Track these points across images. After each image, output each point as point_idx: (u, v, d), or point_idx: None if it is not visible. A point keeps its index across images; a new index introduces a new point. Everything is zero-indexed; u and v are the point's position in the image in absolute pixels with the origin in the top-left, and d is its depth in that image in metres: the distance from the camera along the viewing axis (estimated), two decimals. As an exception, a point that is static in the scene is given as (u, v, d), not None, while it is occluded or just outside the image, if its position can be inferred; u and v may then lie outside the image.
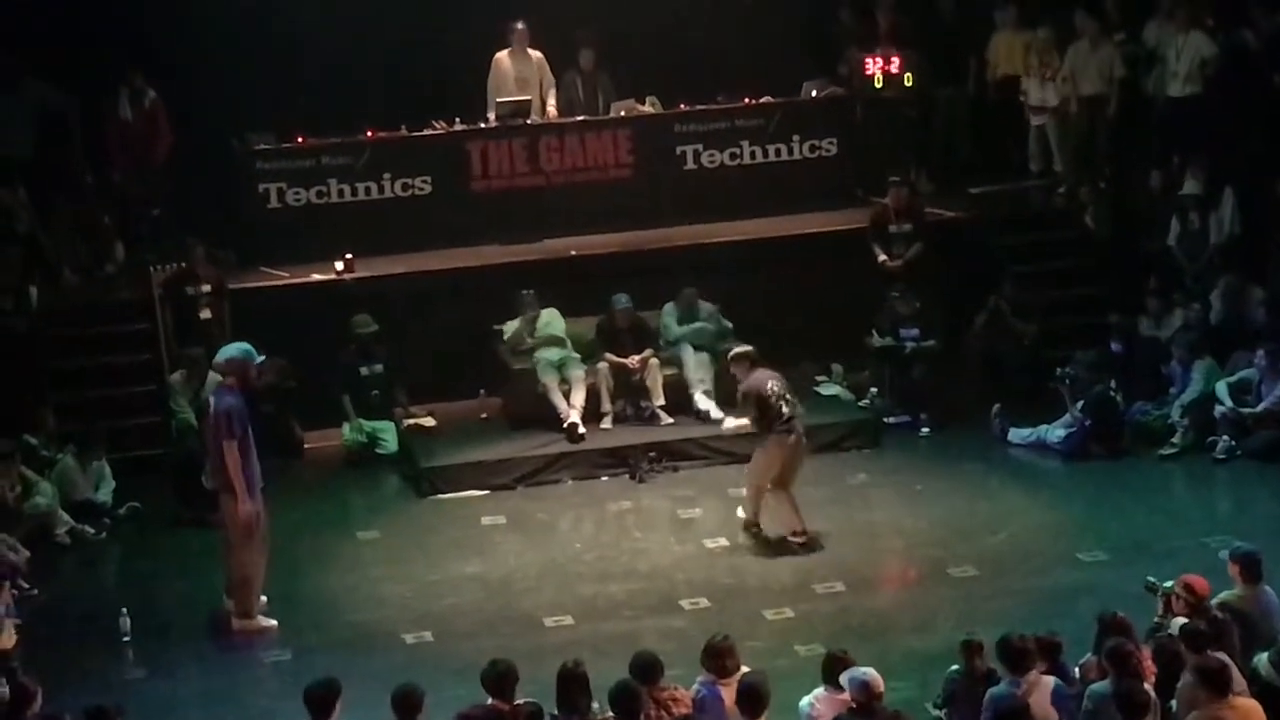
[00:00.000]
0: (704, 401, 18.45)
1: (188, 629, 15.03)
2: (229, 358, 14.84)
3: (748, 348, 16.52)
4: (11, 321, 18.66)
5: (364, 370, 18.72)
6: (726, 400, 18.46)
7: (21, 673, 12.16)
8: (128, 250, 20.15)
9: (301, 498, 17.84)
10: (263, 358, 15.17)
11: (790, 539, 15.83)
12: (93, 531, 17.02)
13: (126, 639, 14.62)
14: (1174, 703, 11.03)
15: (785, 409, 15.75)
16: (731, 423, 16.53)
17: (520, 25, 20.54)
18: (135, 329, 18.90)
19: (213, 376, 17.84)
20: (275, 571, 15.94)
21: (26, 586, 15.59)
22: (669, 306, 19.05)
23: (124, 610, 14.75)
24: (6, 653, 13.42)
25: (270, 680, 13.81)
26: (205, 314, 18.66)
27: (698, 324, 18.89)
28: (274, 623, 14.87)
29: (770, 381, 15.89)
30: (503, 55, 20.65)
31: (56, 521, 16.81)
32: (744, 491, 16.18)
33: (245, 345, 15.06)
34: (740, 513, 16.13)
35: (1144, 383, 18.54)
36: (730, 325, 19.00)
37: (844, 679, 11.08)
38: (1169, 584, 12.29)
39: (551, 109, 20.73)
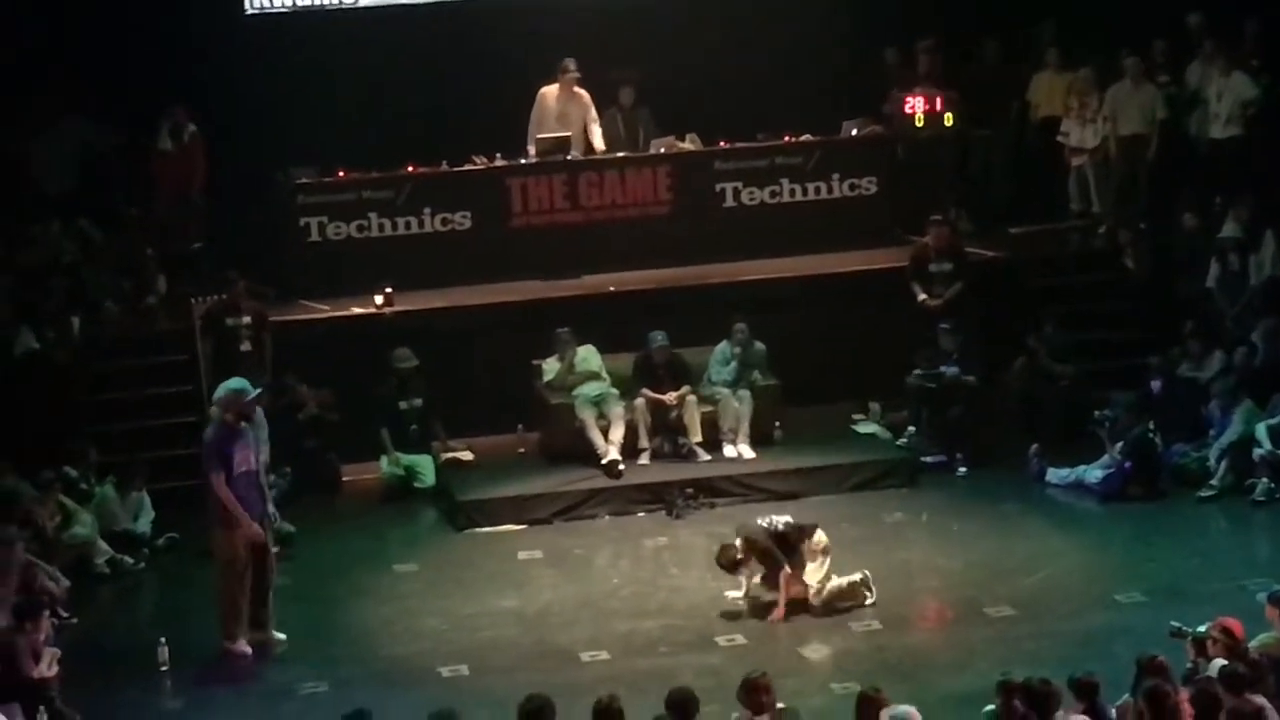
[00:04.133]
0: (732, 451, 18.43)
1: (225, 660, 15.05)
2: (221, 394, 15.09)
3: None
4: (53, 353, 18.77)
5: (403, 404, 18.77)
6: (762, 440, 18.55)
7: (60, 702, 12.23)
8: (169, 282, 20.25)
9: (339, 531, 17.92)
10: (258, 390, 15.44)
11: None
12: (132, 562, 17.09)
13: (165, 668, 14.68)
14: (1211, 746, 10.99)
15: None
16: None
17: (571, 63, 20.57)
18: (176, 360, 18.99)
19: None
20: (312, 604, 16.11)
21: (65, 615, 15.66)
22: (720, 348, 19.03)
23: (162, 640, 14.81)
24: (47, 682, 13.45)
25: (307, 713, 13.82)
26: (245, 346, 18.70)
27: (734, 365, 18.85)
28: (248, 650, 14.97)
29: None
30: (548, 90, 20.71)
31: (96, 551, 16.89)
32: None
33: (241, 382, 15.32)
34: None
35: (1183, 424, 18.48)
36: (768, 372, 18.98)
37: (885, 716, 11.06)
38: (1202, 629, 12.25)
39: (599, 142, 20.74)
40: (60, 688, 13.40)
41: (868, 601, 15.30)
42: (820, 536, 15.39)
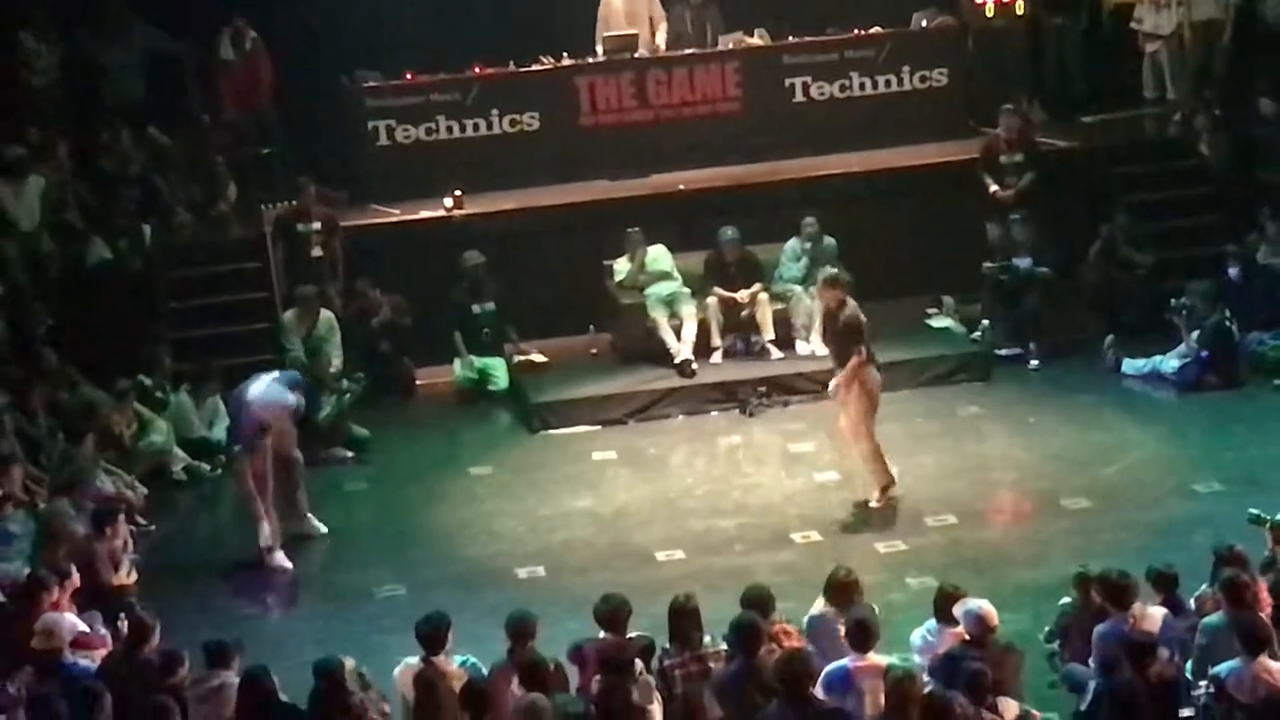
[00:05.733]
0: (805, 348, 18.35)
1: (302, 564, 15.17)
2: (267, 402, 15.10)
3: (838, 272, 16.07)
4: (126, 262, 18.85)
5: (475, 308, 18.76)
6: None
7: (139, 608, 12.33)
8: (239, 189, 20.27)
9: (414, 434, 18.00)
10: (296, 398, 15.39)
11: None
12: (208, 468, 17.19)
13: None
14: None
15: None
16: (835, 382, 15.54)
17: (636, -40, 20.46)
18: (248, 268, 19.04)
19: (325, 314, 18.07)
20: (389, 507, 16.23)
21: (144, 523, 15.79)
22: (790, 245, 18.94)
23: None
24: (126, 589, 13.58)
25: (385, 615, 13.89)
26: (316, 251, 18.76)
27: (805, 261, 18.77)
28: (289, 564, 15.04)
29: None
30: (613, -12, 20.61)
31: (172, 459, 17.01)
32: (864, 460, 15.37)
33: (291, 399, 15.26)
34: (874, 497, 15.38)
35: (1260, 312, 18.31)
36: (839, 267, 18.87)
37: (958, 611, 11.06)
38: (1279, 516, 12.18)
39: (660, 44, 20.63)
40: (139, 593, 13.54)
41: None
42: None
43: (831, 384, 15.47)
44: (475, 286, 18.78)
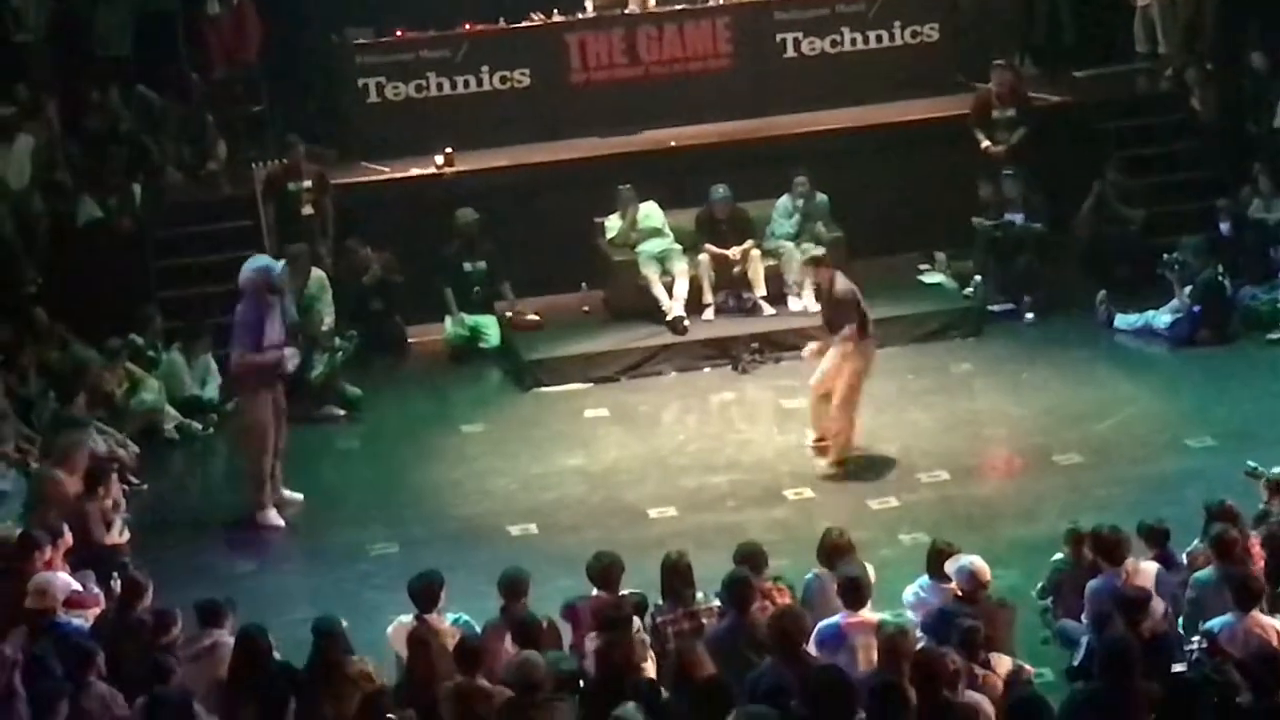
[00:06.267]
0: (797, 304, 18.32)
1: (294, 523, 15.16)
2: (247, 276, 15.05)
3: (823, 251, 16.12)
4: (117, 221, 18.80)
5: (467, 266, 18.72)
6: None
7: (132, 567, 12.34)
8: (229, 148, 20.21)
9: (406, 392, 17.98)
10: (283, 264, 15.49)
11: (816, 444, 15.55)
12: (199, 427, 17.17)
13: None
14: (1284, 589, 10.96)
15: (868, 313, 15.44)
16: (812, 346, 15.79)
17: (623, -86, 20.38)
18: (238, 226, 18.96)
19: (315, 273, 18.04)
20: (382, 465, 16.22)
21: (136, 482, 15.77)
22: (782, 202, 18.90)
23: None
24: (120, 548, 13.57)
25: (378, 573, 13.90)
26: (307, 210, 18.71)
27: (796, 218, 18.75)
28: (282, 522, 15.05)
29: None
30: (605, -57, 20.53)
31: (164, 417, 16.98)
32: (834, 426, 15.31)
33: (265, 261, 15.37)
34: (825, 460, 15.37)
35: (1252, 267, 18.30)
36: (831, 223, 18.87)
37: (950, 568, 11.08)
38: (1277, 470, 12.19)
39: (650, 1, 20.56)
40: (132, 553, 13.53)
41: None
42: None
43: (806, 348, 15.58)
44: (468, 244, 18.74)
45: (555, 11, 20.37)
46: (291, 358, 15.28)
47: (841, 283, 15.37)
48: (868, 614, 10.70)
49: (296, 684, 10.62)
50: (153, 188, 19.29)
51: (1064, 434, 15.74)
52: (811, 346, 15.69)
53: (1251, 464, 12.49)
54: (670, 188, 19.22)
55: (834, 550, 11.47)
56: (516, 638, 10.61)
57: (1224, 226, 18.60)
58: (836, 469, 15.28)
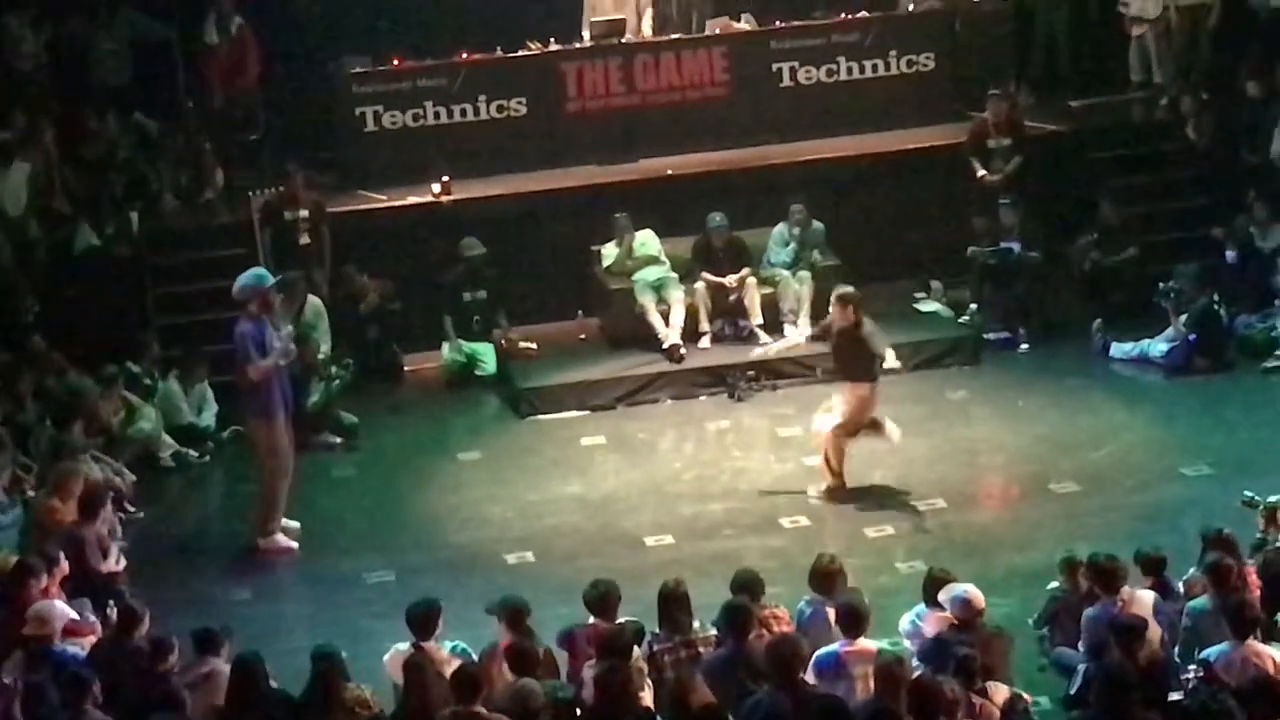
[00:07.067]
0: (793, 332, 18.33)
1: (266, 555, 15.10)
2: (241, 286, 15.04)
3: (852, 290, 15.74)
4: (114, 249, 18.82)
5: (467, 296, 18.72)
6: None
7: (129, 595, 12.33)
8: (226, 175, 20.23)
9: (402, 420, 17.98)
10: (278, 279, 15.47)
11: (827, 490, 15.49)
12: (196, 455, 17.17)
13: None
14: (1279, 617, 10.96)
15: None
16: (892, 359, 15.48)
17: (619, -58, 20.43)
18: (235, 254, 18.91)
19: (312, 301, 18.05)
20: (378, 493, 16.23)
21: (132, 509, 15.77)
22: (778, 230, 18.93)
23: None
24: (116, 576, 13.55)
25: (375, 601, 13.90)
26: (304, 238, 18.73)
27: (792, 246, 18.77)
28: (295, 544, 15.07)
29: None
30: (600, -27, 20.58)
31: (160, 445, 16.98)
32: (824, 452, 15.35)
33: (258, 271, 15.40)
34: (817, 486, 15.42)
35: (1247, 295, 18.33)
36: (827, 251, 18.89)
37: (944, 596, 11.09)
38: (1273, 499, 12.21)
39: (647, 30, 20.61)
40: (128, 581, 13.53)
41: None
42: None
43: (835, 400, 15.43)
44: (472, 273, 18.73)
45: (552, 40, 20.40)
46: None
47: (867, 328, 15.33)
48: (866, 642, 10.70)
49: (293, 712, 10.62)
50: (150, 215, 19.31)
51: (1060, 462, 15.75)
52: (836, 400, 15.46)
53: (1248, 493, 12.51)
54: (667, 216, 19.25)
55: (824, 576, 11.49)
56: (513, 665, 10.60)
57: (1229, 255, 18.62)
58: (824, 496, 15.34)
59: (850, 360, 15.36)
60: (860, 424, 15.27)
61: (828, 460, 15.34)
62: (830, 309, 15.65)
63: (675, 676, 10.37)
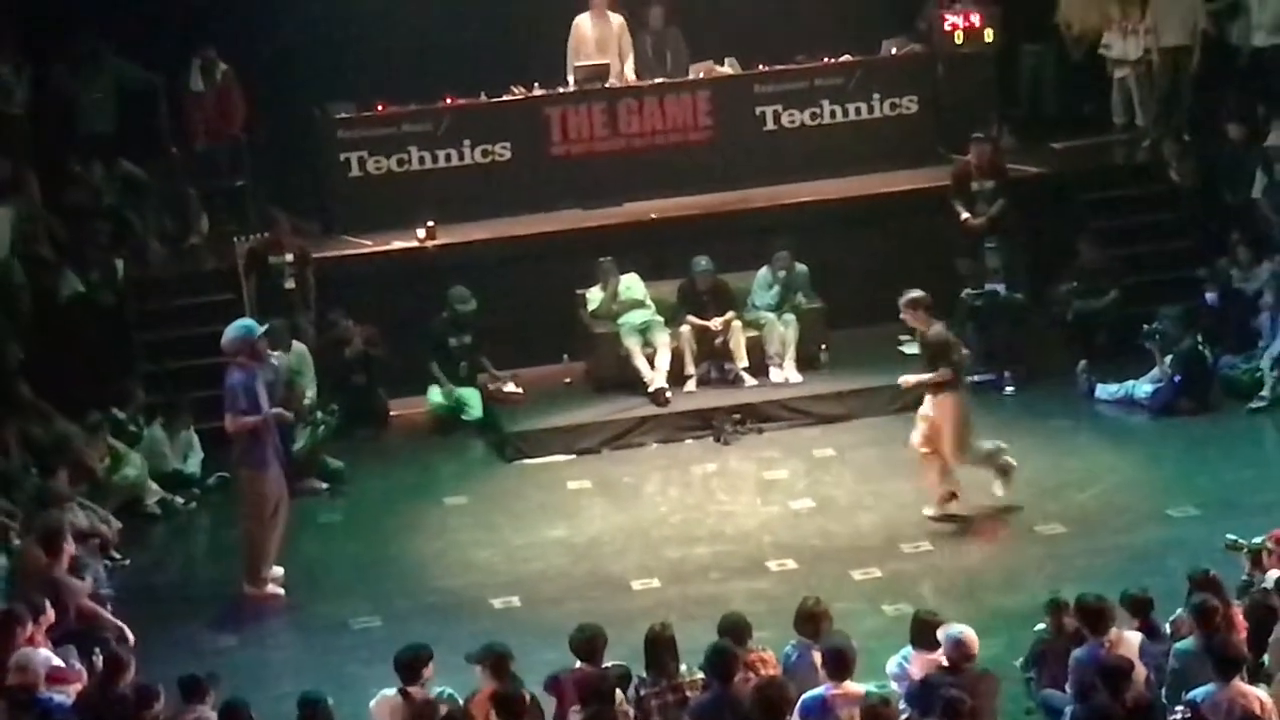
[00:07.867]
0: (779, 376, 18.36)
1: (252, 603, 15.07)
2: (229, 338, 15.05)
3: (920, 294, 15.90)
4: (99, 295, 18.81)
5: (453, 341, 18.73)
6: (808, 363, 18.49)
7: (114, 643, 12.29)
8: (211, 222, 20.25)
9: (388, 465, 17.97)
10: (265, 329, 15.46)
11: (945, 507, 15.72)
12: (182, 502, 17.15)
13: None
14: (1266, 658, 10.96)
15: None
16: (910, 378, 16.07)
17: (601, -13, 20.51)
18: (220, 300, 18.95)
19: (297, 346, 18.06)
20: (364, 538, 16.20)
21: (118, 557, 15.74)
22: (762, 274, 18.97)
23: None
24: (101, 623, 13.48)
25: (361, 647, 13.88)
26: (289, 284, 18.74)
27: (777, 290, 18.81)
28: (281, 591, 15.06)
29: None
30: (583, 18, 20.60)
31: (146, 492, 16.95)
32: (973, 465, 15.74)
33: (246, 322, 15.40)
34: (999, 490, 15.78)
35: (1232, 336, 18.36)
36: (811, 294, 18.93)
37: (941, 635, 11.08)
38: (1257, 541, 12.21)
39: (630, 75, 20.67)
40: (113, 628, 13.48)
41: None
42: None
43: (902, 378, 16.02)
44: (459, 321, 18.73)
45: (536, 85, 20.46)
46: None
47: (935, 329, 15.57)
48: (852, 685, 10.69)
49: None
50: (135, 261, 19.31)
51: (1046, 504, 15.76)
52: (906, 379, 16.05)
53: (1231, 537, 12.51)
54: (651, 259, 19.28)
55: (809, 619, 11.48)
56: (500, 711, 10.58)
57: (1210, 296, 18.68)
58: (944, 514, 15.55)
59: (927, 361, 15.65)
60: (965, 435, 15.47)
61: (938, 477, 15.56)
62: (902, 317, 15.86)
63: (662, 721, 10.36)
